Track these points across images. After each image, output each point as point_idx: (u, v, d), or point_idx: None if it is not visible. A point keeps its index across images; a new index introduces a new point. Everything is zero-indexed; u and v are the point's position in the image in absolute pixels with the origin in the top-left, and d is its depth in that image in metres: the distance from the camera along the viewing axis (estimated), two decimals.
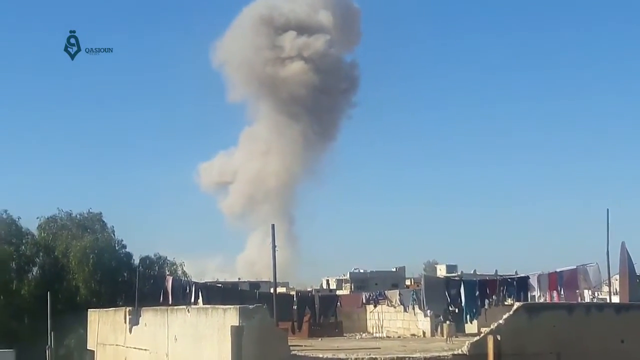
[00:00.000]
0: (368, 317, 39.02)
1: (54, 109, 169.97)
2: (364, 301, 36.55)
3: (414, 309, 33.37)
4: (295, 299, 35.87)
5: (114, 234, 47.34)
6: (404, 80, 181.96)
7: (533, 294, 26.41)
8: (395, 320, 37.16)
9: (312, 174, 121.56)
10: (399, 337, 33.81)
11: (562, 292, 25.37)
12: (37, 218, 47.81)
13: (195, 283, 34.20)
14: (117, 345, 26.70)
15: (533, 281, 26.18)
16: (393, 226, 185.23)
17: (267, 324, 17.88)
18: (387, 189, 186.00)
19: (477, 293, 26.77)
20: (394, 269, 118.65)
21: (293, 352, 18.09)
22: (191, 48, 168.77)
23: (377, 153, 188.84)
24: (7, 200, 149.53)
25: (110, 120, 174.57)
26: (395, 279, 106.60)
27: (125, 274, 44.80)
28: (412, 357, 18.37)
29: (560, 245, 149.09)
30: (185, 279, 40.44)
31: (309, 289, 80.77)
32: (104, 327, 28.89)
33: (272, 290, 31.41)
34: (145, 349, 23.69)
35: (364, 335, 35.82)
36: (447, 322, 28.95)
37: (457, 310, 27.36)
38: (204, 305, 25.45)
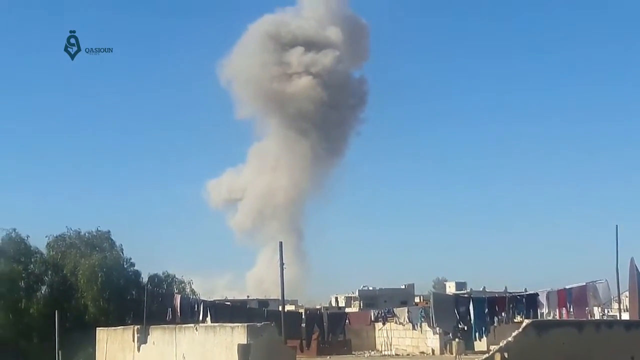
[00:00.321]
0: (377, 335, 38.90)
1: (61, 126, 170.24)
2: (372, 319, 36.41)
3: (421, 326, 33.27)
4: (303, 316, 35.81)
5: (122, 252, 47.46)
6: (413, 98, 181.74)
7: (542, 311, 26.27)
8: (404, 338, 37.02)
9: (321, 190, 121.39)
10: (407, 354, 33.69)
11: (571, 309, 25.26)
12: (46, 237, 47.95)
13: (204, 301, 34.18)
14: None
15: (542, 298, 26.08)
16: (402, 244, 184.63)
17: (275, 342, 17.87)
18: (396, 207, 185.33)
19: (486, 310, 26.67)
20: (403, 286, 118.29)
21: None
22: (199, 65, 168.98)
23: (386, 171, 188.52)
24: (16, 219, 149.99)
25: (118, 139, 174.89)
26: (404, 297, 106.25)
27: (134, 292, 44.80)
28: None
29: (569, 262, 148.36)
30: (194, 297, 40.46)
31: (317, 307, 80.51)
32: (112, 345, 28.88)
33: (280, 308, 31.35)
34: None
35: (372, 353, 35.70)
36: (457, 339, 28.86)
37: (466, 328, 27.25)
38: (212, 324, 25.42)
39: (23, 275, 45.52)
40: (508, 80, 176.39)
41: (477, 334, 26.92)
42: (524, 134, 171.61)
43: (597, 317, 34.44)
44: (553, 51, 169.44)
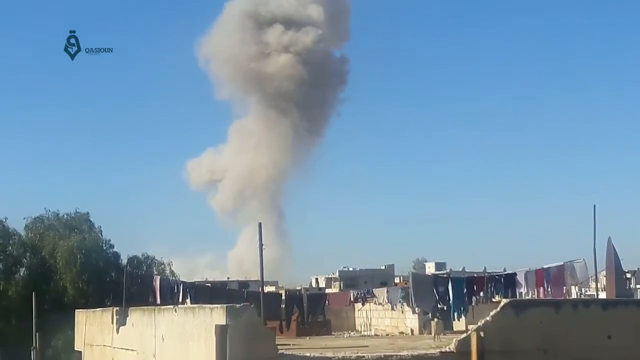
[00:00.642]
0: (356, 316, 39.03)
1: (39, 108, 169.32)
2: (352, 299, 36.55)
3: (402, 306, 33.43)
4: (283, 297, 35.88)
5: (101, 234, 47.25)
6: (392, 77, 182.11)
7: (520, 290, 26.43)
8: (384, 319, 37.17)
9: (302, 170, 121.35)
10: (387, 335, 33.82)
11: (548, 289, 25.42)
12: (24, 218, 47.60)
13: (183, 282, 34.14)
14: (104, 345, 26.60)
15: (520, 278, 26.22)
16: (382, 224, 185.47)
17: (254, 323, 17.83)
18: (376, 187, 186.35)
19: (465, 290, 26.79)
20: (383, 267, 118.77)
21: (280, 351, 18.05)
22: (177, 45, 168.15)
23: (366, 150, 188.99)
24: None
25: (96, 120, 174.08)
26: (384, 277, 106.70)
27: (113, 274, 44.71)
28: (400, 355, 18.35)
29: (548, 241, 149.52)
30: (173, 278, 40.36)
31: (298, 288, 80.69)
32: (91, 327, 28.78)
33: (260, 290, 31.38)
34: (132, 350, 23.60)
35: (352, 333, 35.83)
36: (435, 319, 28.97)
37: (445, 308, 27.37)
38: (191, 305, 25.40)
39: (1, 257, 45.30)
40: (485, 55, 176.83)
41: (455, 314, 27.04)
42: (502, 110, 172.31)
43: (574, 296, 34.71)
44: (538, 20, 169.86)
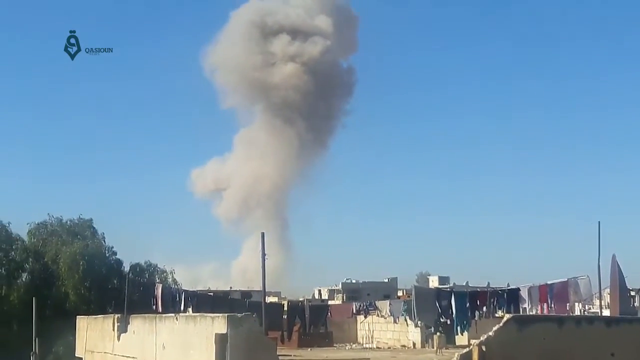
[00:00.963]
0: (358, 328, 38.90)
1: (44, 114, 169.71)
2: (354, 311, 36.40)
3: (405, 320, 33.28)
4: (285, 308, 35.76)
5: (104, 241, 47.26)
6: (398, 91, 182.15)
7: (524, 306, 26.30)
8: (386, 331, 37.03)
9: (307, 180, 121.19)
10: (389, 348, 33.72)
11: (552, 305, 25.28)
12: (28, 224, 47.66)
13: (185, 291, 34.08)
14: (105, 352, 26.50)
15: (524, 293, 26.10)
16: (386, 237, 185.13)
17: (255, 333, 17.71)
18: (380, 200, 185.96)
19: (468, 304, 26.68)
20: (386, 280, 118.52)
21: None
22: (182, 54, 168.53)
23: (371, 163, 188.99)
24: None
25: (101, 127, 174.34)
26: (387, 290, 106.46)
27: (116, 281, 44.65)
28: None
29: (552, 257, 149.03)
30: (175, 286, 40.29)
31: (300, 299, 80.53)
32: (92, 334, 28.68)
33: (262, 299, 31.25)
34: (133, 357, 23.50)
35: (354, 345, 35.71)
36: (438, 333, 28.86)
37: (448, 322, 27.25)
38: (193, 314, 25.31)
39: (4, 262, 45.27)
40: (495, 73, 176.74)
41: (458, 328, 26.91)
42: (510, 128, 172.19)
43: (578, 313, 34.54)
44: (546, 39, 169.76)
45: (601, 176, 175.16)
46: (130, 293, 28.83)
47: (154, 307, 30.71)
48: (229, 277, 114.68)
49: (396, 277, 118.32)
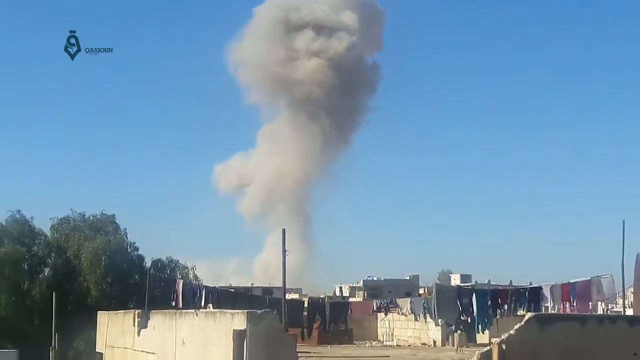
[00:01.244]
0: (379, 325, 38.81)
1: (67, 109, 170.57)
2: (374, 309, 36.25)
3: (425, 317, 33.11)
4: (306, 305, 35.70)
5: (126, 236, 47.34)
6: (424, 89, 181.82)
7: (546, 304, 26.09)
8: (406, 329, 36.93)
9: (330, 176, 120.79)
10: (409, 345, 33.61)
11: (574, 304, 25.05)
12: (50, 219, 47.82)
13: (206, 287, 34.08)
14: (125, 348, 26.58)
15: (546, 292, 25.88)
16: (409, 234, 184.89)
17: (275, 329, 17.64)
18: (403, 198, 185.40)
19: (489, 303, 26.47)
20: (408, 277, 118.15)
21: (301, 359, 17.87)
22: (206, 49, 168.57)
23: (395, 161, 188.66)
24: (20, 201, 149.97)
25: (125, 122, 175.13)
26: (408, 288, 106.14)
27: (137, 277, 44.70)
28: None
29: (576, 256, 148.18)
30: (196, 282, 40.33)
31: (321, 296, 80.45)
32: (112, 329, 28.78)
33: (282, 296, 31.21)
34: (153, 352, 23.54)
35: (374, 343, 35.65)
36: (459, 331, 28.70)
37: (469, 320, 27.07)
38: (212, 310, 25.28)
39: (26, 257, 45.46)
40: (517, 76, 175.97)
41: (480, 327, 26.70)
42: (531, 128, 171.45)
43: (600, 312, 34.24)
44: (563, 47, 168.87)
45: (626, 174, 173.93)
46: (151, 289, 28.85)
47: (174, 302, 30.72)
48: (251, 274, 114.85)
49: (418, 275, 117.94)
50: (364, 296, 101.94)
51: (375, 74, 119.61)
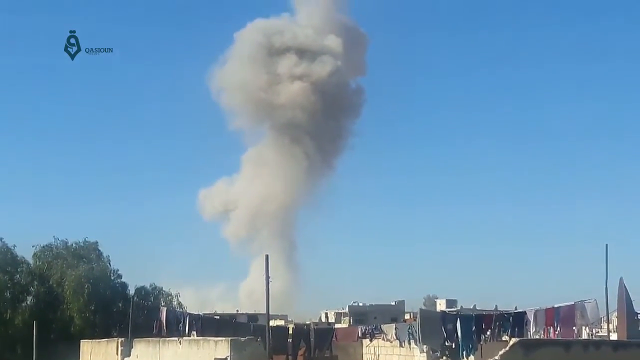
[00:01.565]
0: (364, 352, 38.57)
1: (49, 134, 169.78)
2: (359, 335, 36.10)
3: (409, 343, 32.99)
4: (290, 331, 35.51)
5: (109, 264, 47.08)
6: (408, 114, 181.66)
7: (530, 329, 26.03)
8: (392, 355, 36.71)
9: (314, 201, 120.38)
10: None
11: (558, 329, 25.02)
12: (33, 246, 47.48)
13: (190, 314, 33.85)
14: None
15: (530, 316, 25.84)
16: (394, 260, 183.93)
17: (258, 356, 17.64)
18: (388, 223, 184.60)
19: (474, 328, 26.40)
20: (394, 303, 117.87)
21: None
22: (190, 73, 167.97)
23: (379, 185, 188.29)
24: (2, 228, 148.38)
25: (109, 148, 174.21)
26: (394, 313, 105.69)
27: (120, 304, 44.44)
28: None
29: (560, 280, 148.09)
30: (180, 310, 40.08)
31: (307, 322, 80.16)
32: (96, 358, 28.62)
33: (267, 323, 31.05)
34: None
35: None
36: (444, 357, 28.58)
37: (453, 346, 26.98)
38: (196, 337, 25.14)
39: (9, 285, 45.14)
40: (502, 99, 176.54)
41: (464, 352, 26.61)
42: (515, 152, 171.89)
43: (584, 337, 34.25)
44: (550, 69, 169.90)
45: (609, 198, 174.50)
46: (134, 316, 28.70)
47: (156, 330, 30.49)
48: (236, 300, 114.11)
49: (404, 300, 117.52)
50: (349, 322, 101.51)
51: (359, 98, 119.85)
